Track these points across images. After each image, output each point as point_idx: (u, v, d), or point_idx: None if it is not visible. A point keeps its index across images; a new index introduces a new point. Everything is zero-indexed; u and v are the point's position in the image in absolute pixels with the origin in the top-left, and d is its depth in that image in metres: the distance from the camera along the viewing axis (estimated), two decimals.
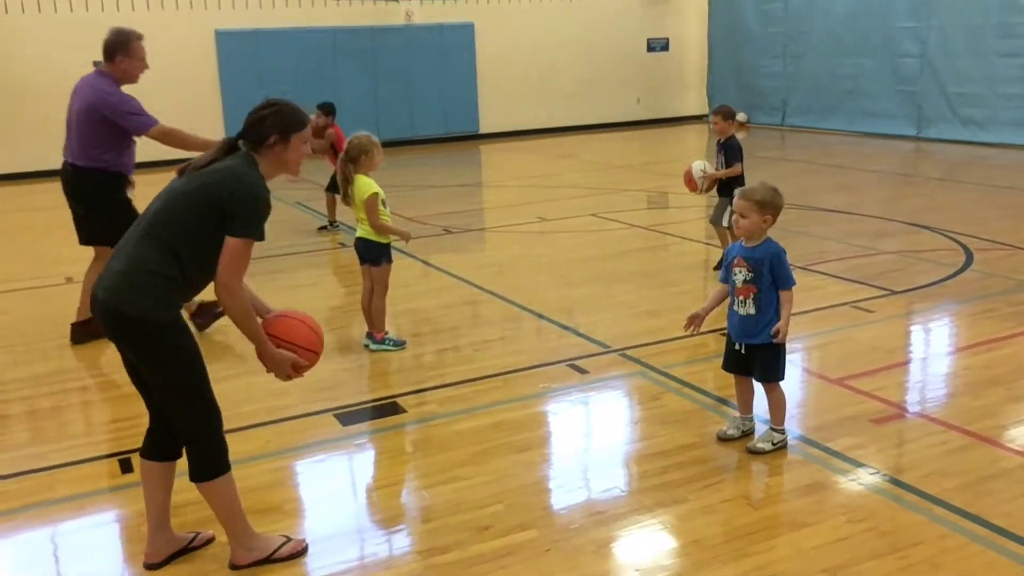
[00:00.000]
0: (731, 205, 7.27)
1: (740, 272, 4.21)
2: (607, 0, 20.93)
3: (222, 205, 3.14)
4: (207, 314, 6.41)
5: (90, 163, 6.04)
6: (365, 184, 5.77)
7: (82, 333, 6.37)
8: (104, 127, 5.95)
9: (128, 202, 6.20)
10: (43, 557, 3.72)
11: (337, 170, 6.20)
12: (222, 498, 3.35)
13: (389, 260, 5.97)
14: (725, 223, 7.33)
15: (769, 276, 4.15)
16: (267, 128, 3.28)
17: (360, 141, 5.80)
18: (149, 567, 3.48)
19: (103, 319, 3.20)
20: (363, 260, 6.00)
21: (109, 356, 6.12)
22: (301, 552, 3.54)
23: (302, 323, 3.54)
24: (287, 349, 3.40)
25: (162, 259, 3.15)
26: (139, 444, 4.29)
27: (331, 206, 10.12)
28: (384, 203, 5.81)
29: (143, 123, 5.95)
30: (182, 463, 3.38)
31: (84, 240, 6.42)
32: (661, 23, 21.74)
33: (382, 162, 5.90)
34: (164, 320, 3.17)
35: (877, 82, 17.64)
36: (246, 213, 3.16)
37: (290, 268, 8.49)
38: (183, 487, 3.50)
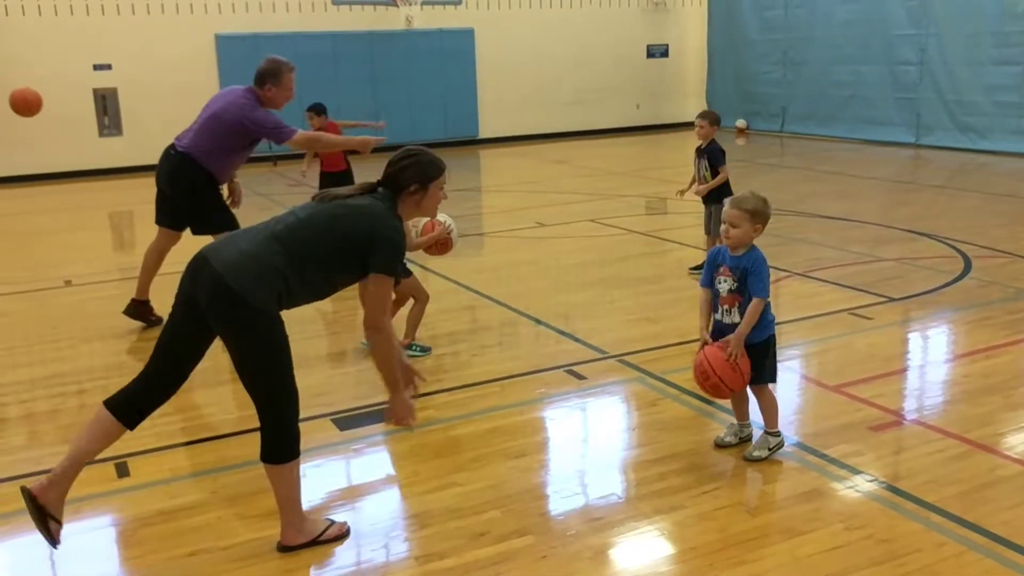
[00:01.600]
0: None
1: (726, 281, 4.19)
2: (607, 6, 20.98)
3: (362, 240, 3.39)
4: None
5: (195, 155, 6.26)
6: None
7: (135, 311, 6.77)
8: (228, 138, 6.24)
9: (218, 198, 6.49)
10: (39, 560, 3.71)
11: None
12: (286, 482, 3.50)
13: (408, 272, 5.81)
14: (714, 232, 7.33)
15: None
16: (408, 178, 3.54)
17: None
18: (31, 499, 3.43)
19: (213, 291, 3.30)
20: None
21: (107, 360, 6.13)
22: (344, 534, 3.67)
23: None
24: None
25: (287, 266, 3.34)
26: (135, 449, 4.29)
27: None
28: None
29: (286, 133, 6.24)
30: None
31: (157, 220, 6.73)
32: (661, 29, 21.79)
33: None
34: (273, 313, 3.35)
35: (876, 89, 17.68)
36: (387, 252, 3.40)
37: None
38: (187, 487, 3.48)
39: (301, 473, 3.72)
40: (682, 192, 8.02)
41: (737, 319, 4.14)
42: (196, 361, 3.56)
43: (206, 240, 6.46)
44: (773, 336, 4.25)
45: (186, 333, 3.46)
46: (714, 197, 7.43)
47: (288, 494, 3.53)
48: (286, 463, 3.46)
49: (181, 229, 6.65)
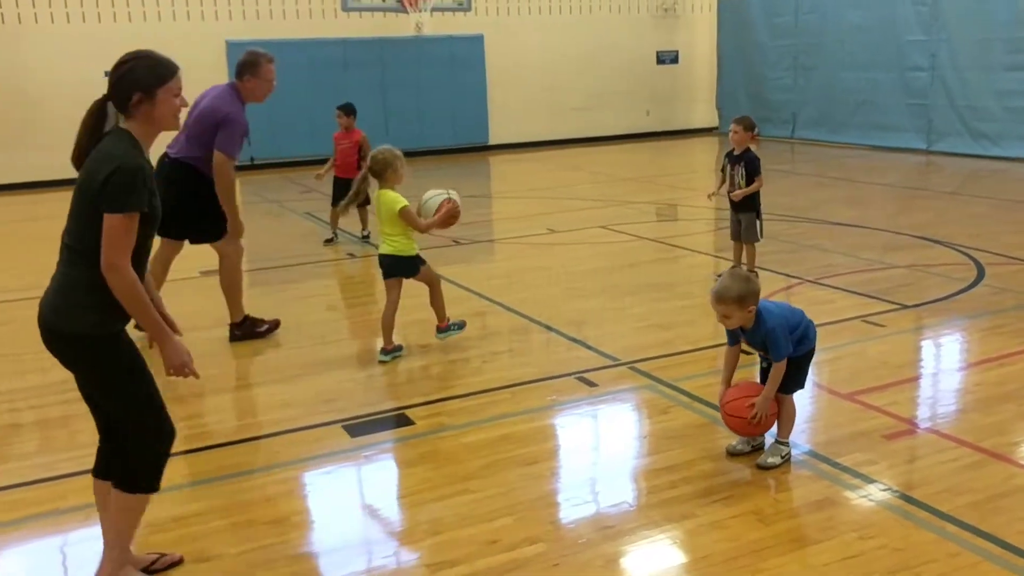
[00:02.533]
0: (757, 218, 7.32)
1: (758, 355, 4.38)
2: (617, 12, 20.99)
3: (98, 189, 3.00)
4: (248, 329, 6.52)
5: (190, 162, 6.18)
6: (392, 198, 5.78)
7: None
8: (212, 133, 6.09)
9: (218, 205, 6.23)
10: (52, 566, 3.72)
11: (355, 181, 6.24)
12: (125, 514, 3.29)
13: (423, 261, 6.03)
14: (759, 237, 7.34)
15: None
16: (127, 88, 3.13)
17: (384, 156, 5.80)
18: None
19: (42, 335, 3.22)
20: (390, 275, 5.99)
21: None
22: (170, 566, 3.51)
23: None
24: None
25: (81, 267, 3.08)
26: None
27: (336, 221, 10.15)
28: (420, 209, 5.90)
29: (230, 149, 6.09)
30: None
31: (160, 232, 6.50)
32: (671, 36, 21.78)
33: (406, 174, 5.93)
34: (98, 334, 3.13)
35: (887, 95, 17.63)
36: (111, 189, 2.99)
37: (301, 278, 8.50)
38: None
39: (315, 480, 3.72)
40: (712, 195, 8.01)
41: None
42: (96, 404, 3.36)
43: (205, 249, 6.51)
44: (813, 350, 4.32)
45: (80, 384, 3.34)
46: (744, 206, 7.42)
47: (123, 527, 3.31)
48: (134, 494, 3.25)
49: (181, 239, 6.46)
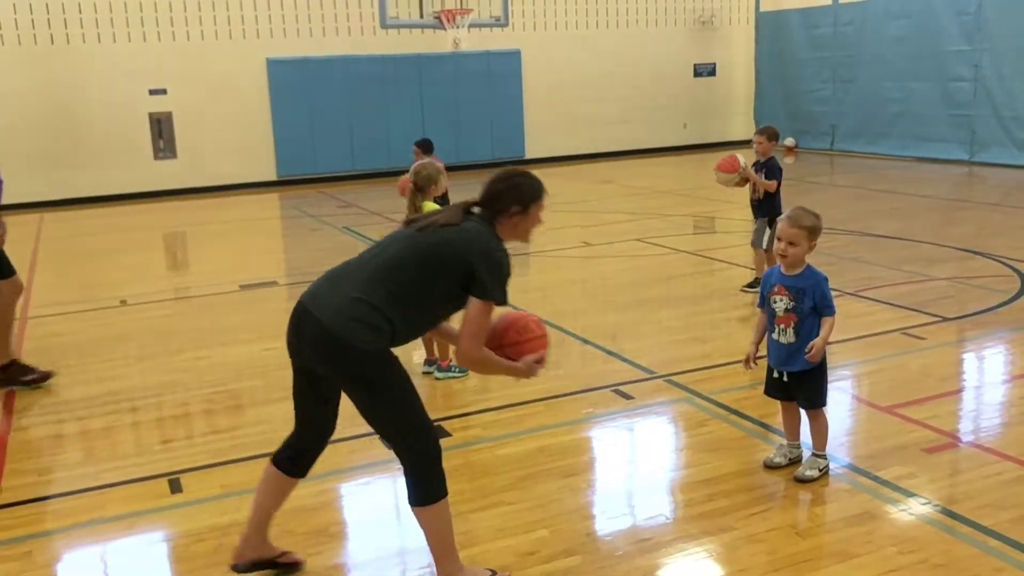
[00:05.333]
0: (770, 228, 7.30)
1: (781, 300, 4.16)
2: (653, 26, 20.99)
3: (467, 265, 3.17)
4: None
5: None
6: (431, 209, 5.84)
7: (2, 376, 6.08)
8: None
9: None
10: (94, 574, 3.78)
11: (408, 199, 6.25)
12: (431, 524, 3.31)
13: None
14: (765, 246, 7.31)
15: (810, 303, 4.10)
16: (509, 200, 3.33)
17: (428, 171, 5.93)
18: (234, 568, 3.55)
19: (318, 342, 3.17)
20: None
21: (161, 379, 6.23)
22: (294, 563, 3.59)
23: (517, 320, 3.55)
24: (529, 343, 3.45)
25: (390, 305, 3.16)
26: (188, 465, 4.37)
27: None
28: None
29: None
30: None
31: None
32: (708, 48, 21.73)
33: (448, 186, 6.00)
34: (384, 351, 3.19)
35: (928, 106, 17.42)
36: (489, 276, 3.18)
37: None
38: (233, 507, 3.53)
39: (352, 492, 3.75)
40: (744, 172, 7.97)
41: (792, 339, 4.12)
42: (325, 407, 3.42)
43: None
44: (825, 359, 4.23)
45: (301, 386, 3.39)
46: (764, 211, 7.47)
47: (438, 537, 3.32)
48: (430, 505, 3.26)
49: None
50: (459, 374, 5.94)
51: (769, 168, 7.59)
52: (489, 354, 3.29)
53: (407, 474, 3.28)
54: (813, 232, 4.11)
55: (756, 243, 7.60)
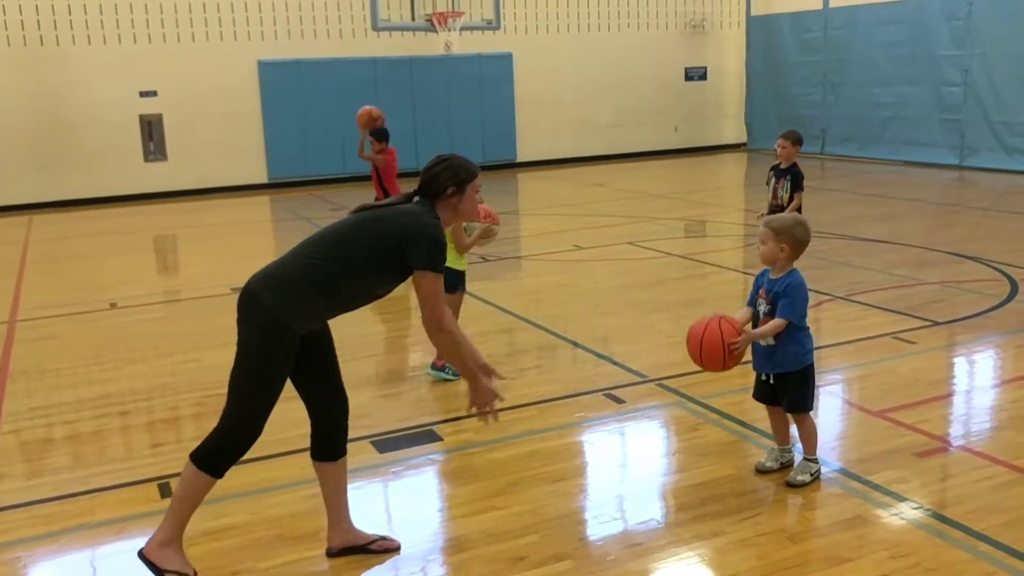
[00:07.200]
0: None
1: (762, 303, 4.20)
2: (645, 29, 21.03)
3: (399, 238, 3.34)
4: None
5: None
6: None
7: None
8: None
9: None
10: None
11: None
12: (189, 488, 3.43)
13: (463, 288, 6.01)
14: None
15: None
16: (444, 182, 3.54)
17: None
18: (327, 552, 3.75)
19: (240, 299, 3.39)
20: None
21: (151, 382, 6.21)
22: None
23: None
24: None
25: (323, 275, 3.35)
26: (178, 469, 4.37)
27: None
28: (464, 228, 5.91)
29: None
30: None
31: None
32: (699, 52, 21.77)
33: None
34: (285, 325, 3.33)
35: (919, 110, 17.49)
36: (425, 246, 3.34)
37: None
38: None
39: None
40: (761, 216, 7.92)
41: (771, 341, 4.12)
42: (316, 387, 3.60)
43: None
44: (811, 365, 4.21)
45: (287, 373, 3.51)
46: None
47: (185, 499, 3.44)
48: (204, 472, 3.40)
49: None
50: (451, 376, 5.93)
51: (795, 175, 7.48)
52: (458, 329, 3.46)
53: (213, 431, 3.44)
54: (779, 233, 4.10)
55: None
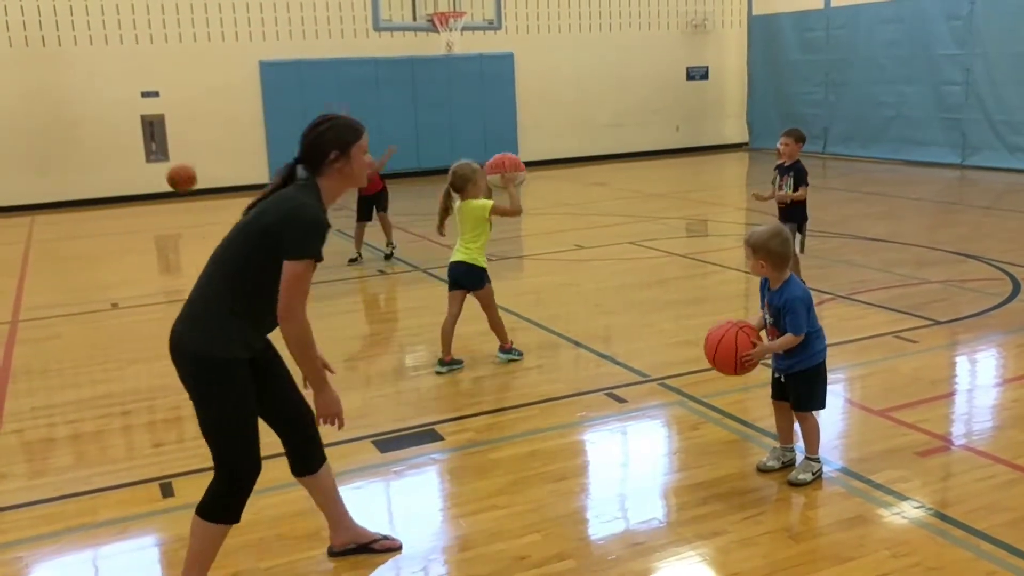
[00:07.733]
0: (800, 233, 7.30)
1: (767, 315, 4.24)
2: (646, 29, 21.02)
3: (270, 230, 3.11)
4: None
5: None
6: (479, 205, 5.94)
7: None
8: None
9: None
10: None
11: (441, 197, 6.23)
12: (203, 543, 3.31)
13: (489, 280, 6.09)
14: (797, 249, 7.29)
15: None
16: (325, 146, 3.24)
17: (463, 171, 5.95)
18: (330, 552, 3.75)
19: (173, 355, 3.23)
20: (457, 285, 6.08)
21: (152, 382, 6.21)
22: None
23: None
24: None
25: (230, 294, 3.16)
26: (179, 469, 4.38)
27: (360, 239, 10.12)
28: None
29: None
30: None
31: None
32: (701, 51, 21.76)
33: (487, 185, 6.01)
34: (222, 359, 3.16)
35: (920, 110, 17.48)
36: (291, 234, 3.09)
37: (331, 295, 8.56)
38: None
39: (344, 496, 3.74)
40: (758, 195, 7.89)
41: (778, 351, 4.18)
42: (273, 408, 3.44)
43: None
44: (823, 364, 4.23)
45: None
46: (792, 217, 7.40)
47: (200, 554, 3.31)
48: (215, 523, 3.27)
49: None
50: (517, 357, 6.18)
51: (799, 172, 7.46)
52: (304, 321, 3.13)
53: (212, 483, 3.28)
54: (757, 250, 4.10)
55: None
